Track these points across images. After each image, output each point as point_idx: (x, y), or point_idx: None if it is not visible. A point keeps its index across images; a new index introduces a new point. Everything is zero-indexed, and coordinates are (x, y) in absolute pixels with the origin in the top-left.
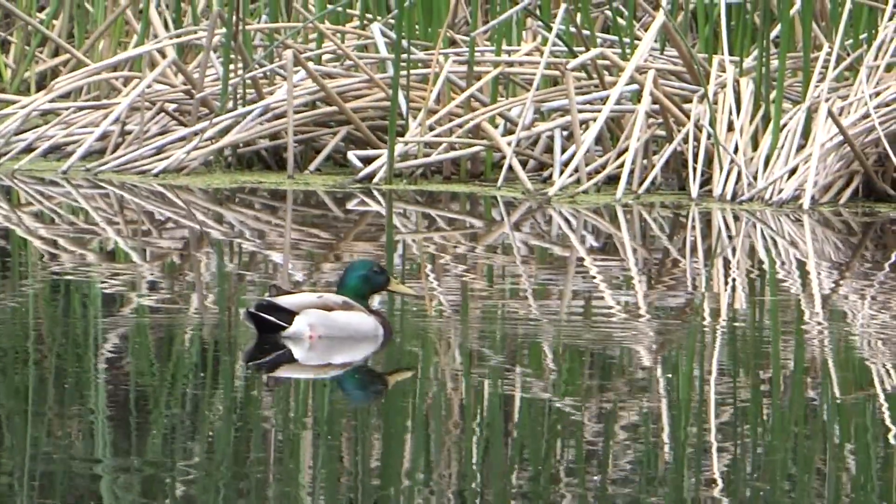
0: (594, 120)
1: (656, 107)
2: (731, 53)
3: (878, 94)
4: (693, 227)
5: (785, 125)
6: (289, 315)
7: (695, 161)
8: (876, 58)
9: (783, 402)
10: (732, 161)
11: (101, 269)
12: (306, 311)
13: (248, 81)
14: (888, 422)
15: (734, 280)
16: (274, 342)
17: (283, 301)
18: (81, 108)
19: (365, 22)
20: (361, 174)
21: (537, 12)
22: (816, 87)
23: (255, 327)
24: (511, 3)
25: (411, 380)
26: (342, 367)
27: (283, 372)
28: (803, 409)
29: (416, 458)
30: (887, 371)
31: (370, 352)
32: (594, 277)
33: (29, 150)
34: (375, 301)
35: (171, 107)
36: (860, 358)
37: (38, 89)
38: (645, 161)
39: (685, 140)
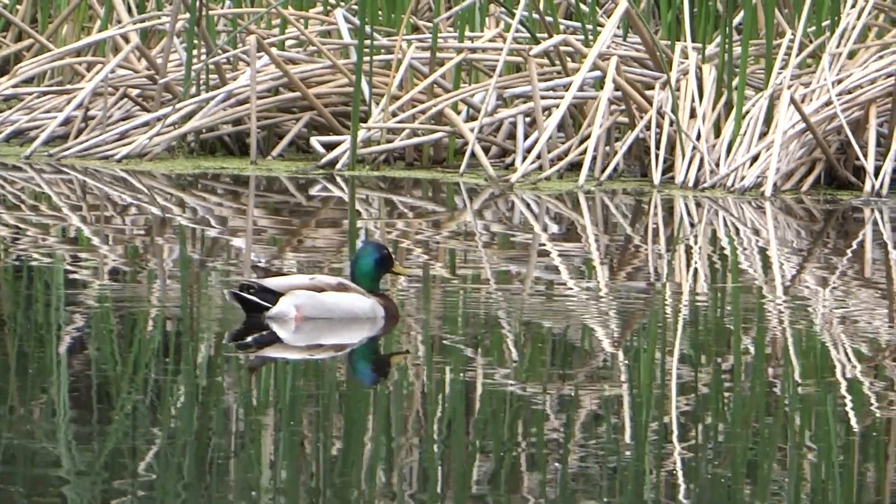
0: (557, 106)
1: (619, 93)
2: (693, 40)
3: (840, 81)
4: (655, 214)
5: (747, 112)
6: (274, 296)
7: (657, 148)
8: (838, 45)
9: (744, 388)
10: (695, 148)
11: (63, 254)
12: (293, 292)
13: (212, 67)
14: (848, 409)
15: (696, 267)
16: (260, 323)
17: (269, 282)
18: (44, 93)
19: (328, 8)
20: (324, 160)
21: None
22: (779, 74)
23: (242, 308)
24: None
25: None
26: (320, 349)
27: (258, 352)
28: (764, 395)
29: (378, 444)
30: (848, 358)
31: (363, 334)
32: (556, 264)
33: None
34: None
35: (134, 92)
36: (821, 345)
37: (1, 74)
38: (607, 148)
39: (647, 127)
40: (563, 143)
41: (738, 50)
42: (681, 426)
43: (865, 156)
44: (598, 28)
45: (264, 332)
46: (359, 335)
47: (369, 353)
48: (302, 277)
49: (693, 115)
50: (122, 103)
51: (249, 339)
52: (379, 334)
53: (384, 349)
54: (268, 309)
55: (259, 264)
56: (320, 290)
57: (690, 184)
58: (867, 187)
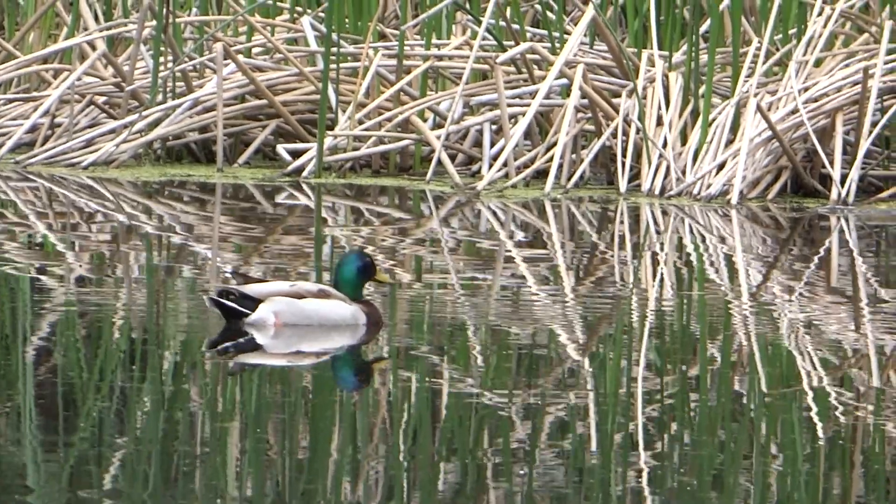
0: (523, 114)
1: (585, 101)
2: (660, 48)
3: (806, 89)
4: (621, 222)
5: (714, 120)
6: (253, 302)
7: (623, 156)
8: (805, 53)
9: (710, 396)
10: (661, 156)
11: (30, 261)
12: (272, 298)
13: (178, 74)
14: (814, 416)
15: (662, 275)
16: (239, 330)
17: (248, 288)
18: (11, 101)
19: (295, 15)
20: (290, 168)
21: (467, 6)
22: (745, 81)
23: (221, 314)
24: None
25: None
26: (296, 356)
27: (235, 359)
28: (730, 403)
29: (344, 452)
30: (814, 366)
31: (343, 342)
32: (522, 271)
33: None
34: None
35: (100, 99)
36: (787, 353)
37: None
38: (574, 155)
39: (614, 135)
40: (529, 150)
41: (704, 58)
42: (646, 434)
43: (832, 164)
44: (565, 36)
45: (242, 339)
46: (338, 342)
47: (346, 360)
48: (282, 284)
49: (659, 122)
50: (88, 110)
51: (227, 345)
52: (360, 342)
53: (361, 357)
54: (247, 315)
55: (239, 271)
56: (300, 296)
57: (657, 192)
58: (833, 195)
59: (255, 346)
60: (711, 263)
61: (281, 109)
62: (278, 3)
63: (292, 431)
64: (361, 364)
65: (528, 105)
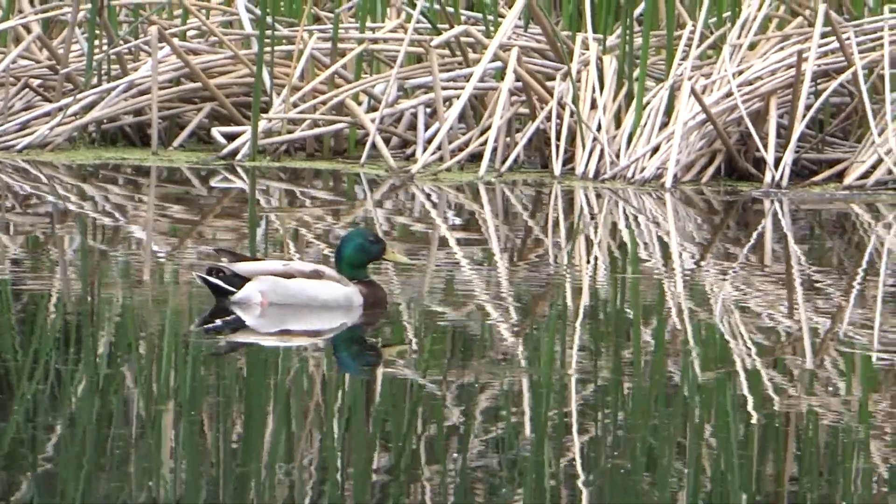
0: (458, 97)
1: (520, 84)
2: (594, 31)
3: (740, 72)
4: (555, 205)
5: (648, 103)
6: (242, 281)
7: (557, 139)
8: (739, 36)
9: (644, 379)
10: (595, 139)
11: None
12: (259, 277)
13: (113, 57)
14: (748, 400)
15: (596, 258)
16: (225, 308)
17: (238, 267)
18: None
19: None
20: (225, 151)
21: None
22: (679, 65)
23: (211, 291)
24: None
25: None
26: (263, 336)
27: (215, 339)
28: (664, 386)
29: (279, 433)
30: (747, 348)
31: (333, 322)
32: (456, 254)
33: None
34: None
35: (35, 82)
36: (720, 336)
37: None
38: (508, 139)
39: (548, 118)
40: (463, 133)
41: (638, 41)
42: (581, 417)
43: (766, 147)
44: (500, 19)
45: (229, 318)
46: (329, 323)
47: (307, 343)
48: (275, 263)
49: (594, 106)
50: (23, 93)
51: (216, 323)
52: (355, 323)
53: (332, 340)
54: (233, 293)
55: (229, 249)
56: (290, 276)
57: (591, 175)
58: (767, 178)
59: (239, 326)
60: (645, 246)
61: (216, 92)
62: None
63: (226, 413)
64: (319, 347)
65: (463, 88)
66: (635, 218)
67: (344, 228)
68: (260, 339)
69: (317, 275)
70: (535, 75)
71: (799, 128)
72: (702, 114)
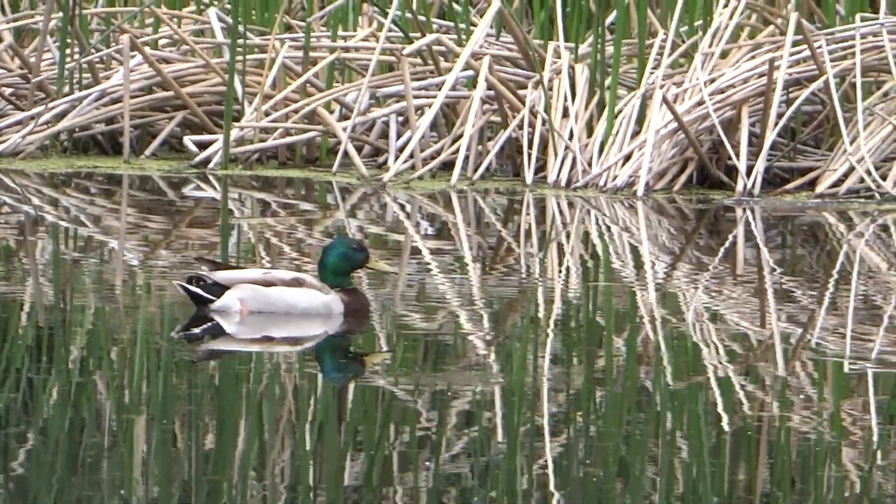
0: (429, 106)
1: (491, 93)
2: (566, 40)
3: (712, 80)
4: (528, 214)
5: (620, 112)
6: (221, 289)
7: (529, 147)
8: (711, 45)
9: (616, 387)
10: (567, 147)
11: None
12: (239, 285)
13: (85, 66)
14: (720, 408)
15: (568, 266)
16: (205, 316)
17: (218, 275)
18: None
19: (201, 7)
20: (197, 159)
21: None
22: (651, 73)
23: (191, 300)
24: None
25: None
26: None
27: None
28: (636, 395)
29: (251, 442)
30: (719, 357)
31: (312, 330)
32: (428, 263)
33: None
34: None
35: (7, 91)
36: (693, 343)
37: None
38: (480, 147)
39: (520, 126)
40: (435, 142)
41: (610, 49)
42: (553, 425)
43: (737, 155)
44: (471, 27)
45: (207, 325)
46: (307, 331)
47: (283, 352)
48: (255, 272)
49: (566, 114)
50: None
51: (195, 331)
52: (335, 332)
53: (308, 348)
54: (212, 302)
55: (210, 258)
56: (270, 284)
57: (563, 183)
58: (739, 187)
59: (218, 334)
60: (617, 255)
61: (188, 101)
62: None
63: (199, 422)
64: (295, 355)
65: (435, 97)
66: (607, 226)
67: (317, 237)
68: (237, 347)
69: (297, 283)
70: (507, 84)
71: (771, 136)
72: (674, 122)
